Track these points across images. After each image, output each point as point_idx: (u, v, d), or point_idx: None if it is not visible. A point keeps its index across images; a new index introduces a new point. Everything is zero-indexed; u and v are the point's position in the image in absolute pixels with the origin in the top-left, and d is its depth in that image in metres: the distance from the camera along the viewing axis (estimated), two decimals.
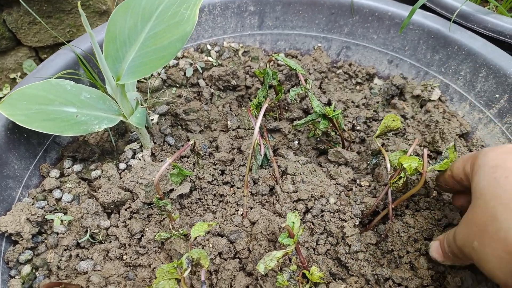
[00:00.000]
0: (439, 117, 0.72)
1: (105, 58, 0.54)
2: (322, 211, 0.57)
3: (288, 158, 0.65)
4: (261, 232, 0.55)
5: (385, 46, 0.82)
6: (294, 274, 0.47)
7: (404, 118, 0.76)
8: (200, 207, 0.61)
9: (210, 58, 0.83)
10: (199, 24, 0.83)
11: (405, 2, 0.82)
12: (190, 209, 0.60)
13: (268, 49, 0.89)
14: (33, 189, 0.61)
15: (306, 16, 0.85)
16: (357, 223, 0.57)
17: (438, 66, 0.77)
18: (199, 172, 0.63)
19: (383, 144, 0.70)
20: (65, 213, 0.59)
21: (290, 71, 0.81)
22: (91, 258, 0.55)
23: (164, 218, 0.59)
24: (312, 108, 0.61)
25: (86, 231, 0.57)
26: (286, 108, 0.77)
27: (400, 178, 0.51)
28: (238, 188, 0.63)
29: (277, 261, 0.42)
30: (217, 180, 0.63)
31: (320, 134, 0.68)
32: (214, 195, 0.62)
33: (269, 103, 0.54)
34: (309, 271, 0.48)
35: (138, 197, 0.58)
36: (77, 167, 0.64)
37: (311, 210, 0.57)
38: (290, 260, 0.52)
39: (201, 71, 0.81)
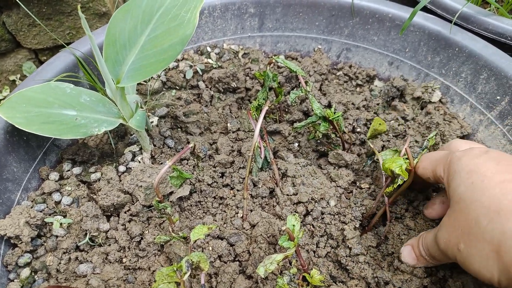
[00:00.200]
0: (439, 119, 0.71)
1: (105, 61, 0.54)
2: (322, 213, 0.57)
3: (288, 160, 0.65)
4: (261, 234, 0.54)
5: (386, 48, 0.82)
6: (294, 277, 0.46)
7: (405, 120, 0.75)
8: (200, 209, 0.61)
9: (210, 60, 0.83)
10: (199, 26, 0.82)
11: (406, 4, 0.82)
12: (190, 212, 0.60)
13: (268, 51, 0.89)
14: (32, 192, 0.61)
15: (306, 18, 0.85)
16: (357, 226, 0.56)
17: (438, 68, 0.77)
18: (199, 175, 0.63)
19: (383, 146, 0.70)
20: (65, 216, 0.58)
21: (290, 73, 0.81)
22: (91, 261, 0.55)
23: (163, 221, 0.59)
24: (312, 110, 0.61)
25: (86, 234, 0.57)
26: (286, 110, 0.77)
27: (394, 184, 0.51)
28: (238, 190, 0.62)
29: (277, 264, 0.41)
30: (217, 183, 0.63)
31: (321, 136, 0.67)
32: (214, 197, 0.62)
33: (269, 105, 0.54)
34: (309, 274, 0.48)
35: (138, 200, 0.58)
36: (77, 170, 0.64)
37: (311, 212, 0.57)
38: (290, 263, 0.51)
39: (201, 73, 0.81)
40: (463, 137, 0.71)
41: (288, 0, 0.83)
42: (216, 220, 0.59)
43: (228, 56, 0.84)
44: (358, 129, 0.72)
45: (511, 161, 0.40)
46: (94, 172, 0.64)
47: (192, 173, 0.63)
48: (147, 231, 0.57)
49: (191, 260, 0.43)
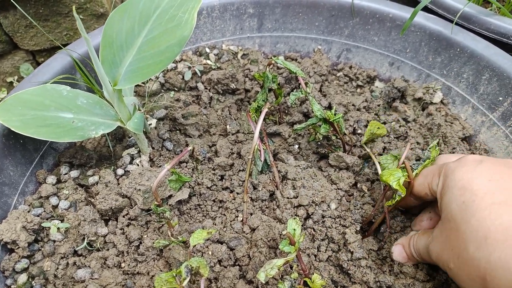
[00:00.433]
0: (441, 120, 0.71)
1: (102, 62, 0.53)
2: (323, 217, 0.56)
3: (288, 162, 0.64)
4: (261, 238, 0.54)
5: (386, 48, 0.81)
6: (295, 282, 0.46)
7: (406, 121, 0.75)
8: (199, 213, 0.60)
9: (208, 61, 0.82)
10: (197, 26, 0.82)
11: (406, 3, 0.81)
12: (189, 216, 0.59)
13: (268, 51, 0.88)
14: (29, 196, 0.60)
15: (306, 18, 0.84)
16: (358, 229, 0.56)
17: (440, 68, 0.76)
18: (198, 178, 0.62)
19: (384, 148, 0.69)
20: (62, 221, 0.58)
21: (290, 74, 0.80)
22: (89, 266, 0.54)
23: (162, 225, 0.58)
24: (313, 112, 0.60)
25: (84, 238, 0.56)
26: (286, 111, 0.76)
27: (393, 200, 0.51)
28: (237, 193, 0.62)
29: (278, 269, 0.41)
30: (217, 186, 0.62)
31: (321, 138, 0.67)
32: (214, 201, 0.61)
33: (269, 107, 0.53)
34: (310, 279, 0.47)
35: (136, 204, 0.57)
36: (74, 173, 0.63)
37: (312, 216, 0.56)
38: (291, 268, 0.51)
39: (199, 75, 0.80)
40: (465, 138, 0.70)
41: (288, 0, 0.82)
42: (215, 224, 0.58)
43: (227, 57, 0.84)
44: (359, 131, 0.71)
45: (504, 174, 0.40)
46: (92, 176, 0.64)
47: (191, 176, 0.62)
48: (146, 236, 0.56)
49: (191, 265, 0.42)
